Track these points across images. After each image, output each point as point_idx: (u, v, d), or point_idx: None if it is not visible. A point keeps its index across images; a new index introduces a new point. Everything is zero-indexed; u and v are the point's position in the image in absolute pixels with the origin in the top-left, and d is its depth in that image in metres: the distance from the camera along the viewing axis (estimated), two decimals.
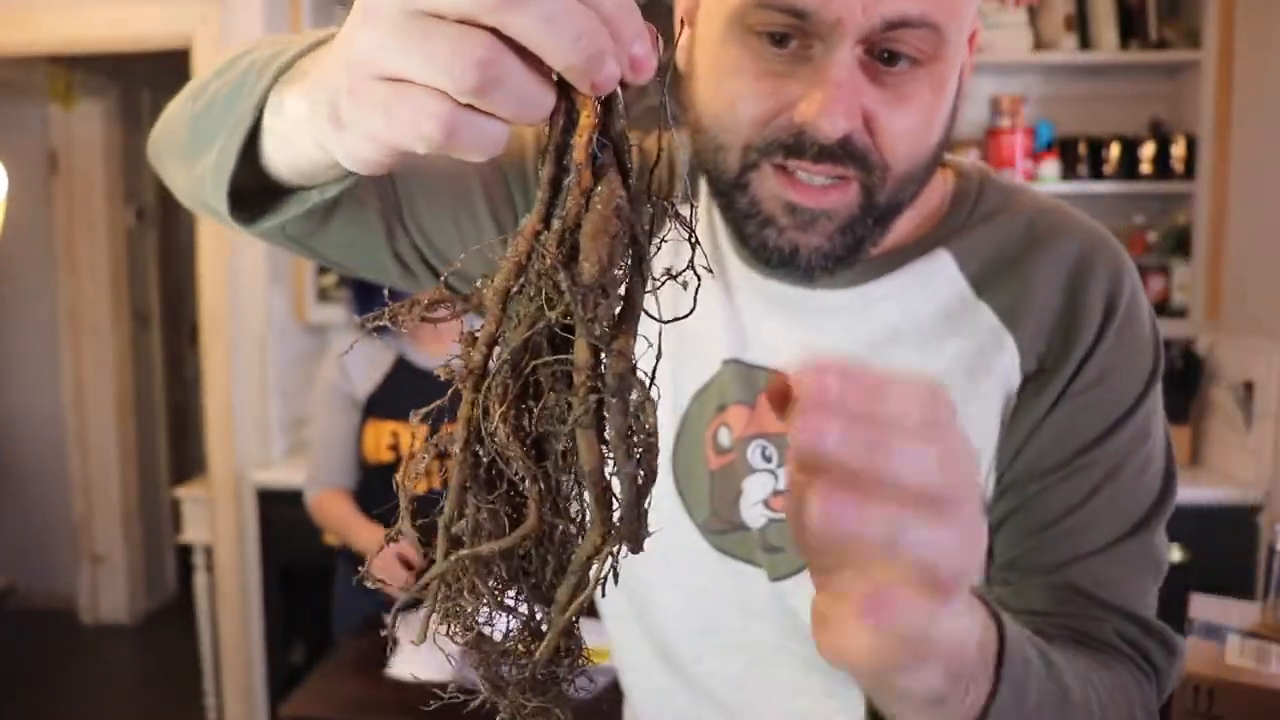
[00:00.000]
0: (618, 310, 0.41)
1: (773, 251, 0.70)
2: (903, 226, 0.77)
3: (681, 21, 0.73)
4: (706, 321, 0.79)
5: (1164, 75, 3.16)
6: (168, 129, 0.73)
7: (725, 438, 0.80)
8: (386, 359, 2.43)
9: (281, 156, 0.57)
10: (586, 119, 0.40)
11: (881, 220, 0.71)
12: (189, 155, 0.66)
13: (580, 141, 0.40)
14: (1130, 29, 3.00)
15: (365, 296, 2.43)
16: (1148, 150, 3.04)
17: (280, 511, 3.02)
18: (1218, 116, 2.92)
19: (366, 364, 2.42)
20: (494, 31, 0.37)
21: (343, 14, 3.05)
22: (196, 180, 0.66)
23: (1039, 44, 3.05)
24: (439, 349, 2.44)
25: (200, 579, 3.31)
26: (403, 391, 2.40)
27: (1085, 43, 3.02)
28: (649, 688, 0.91)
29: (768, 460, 0.78)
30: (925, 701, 0.48)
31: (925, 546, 0.39)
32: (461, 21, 0.37)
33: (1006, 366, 0.74)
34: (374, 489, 2.38)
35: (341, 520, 2.35)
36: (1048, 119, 3.12)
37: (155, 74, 4.62)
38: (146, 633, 4.66)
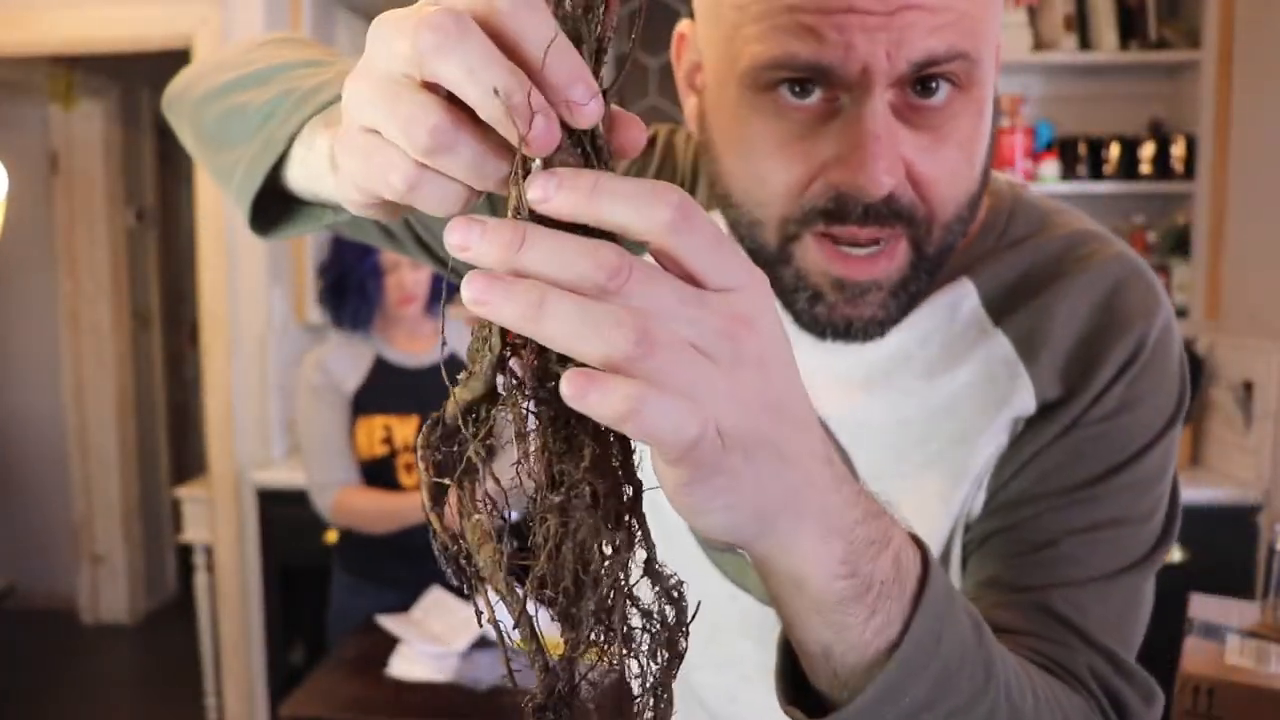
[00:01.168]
0: None
1: (825, 326, 0.67)
2: None
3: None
4: None
5: (1164, 75, 3.16)
6: (192, 102, 0.74)
7: None
8: (367, 358, 2.43)
9: (306, 186, 0.59)
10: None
11: (933, 271, 0.68)
12: (211, 142, 0.70)
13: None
14: (1130, 29, 3.00)
15: (339, 299, 2.42)
16: (1147, 150, 3.04)
17: (281, 511, 3.02)
18: (1217, 116, 2.92)
19: (349, 364, 2.41)
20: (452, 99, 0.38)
21: (343, 15, 3.04)
22: (213, 166, 0.70)
23: (1039, 44, 3.05)
24: (413, 347, 2.46)
25: (200, 579, 3.31)
26: (388, 386, 2.40)
27: (1085, 43, 3.02)
28: None
29: None
30: (824, 596, 0.46)
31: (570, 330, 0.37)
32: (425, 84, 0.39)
33: (1019, 397, 0.70)
34: (368, 485, 2.38)
35: (378, 504, 2.31)
36: (1047, 119, 3.12)
37: (155, 74, 4.61)
38: (147, 633, 4.66)
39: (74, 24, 3.15)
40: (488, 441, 0.40)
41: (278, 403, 3.24)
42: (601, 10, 0.39)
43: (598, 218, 0.37)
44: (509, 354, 0.39)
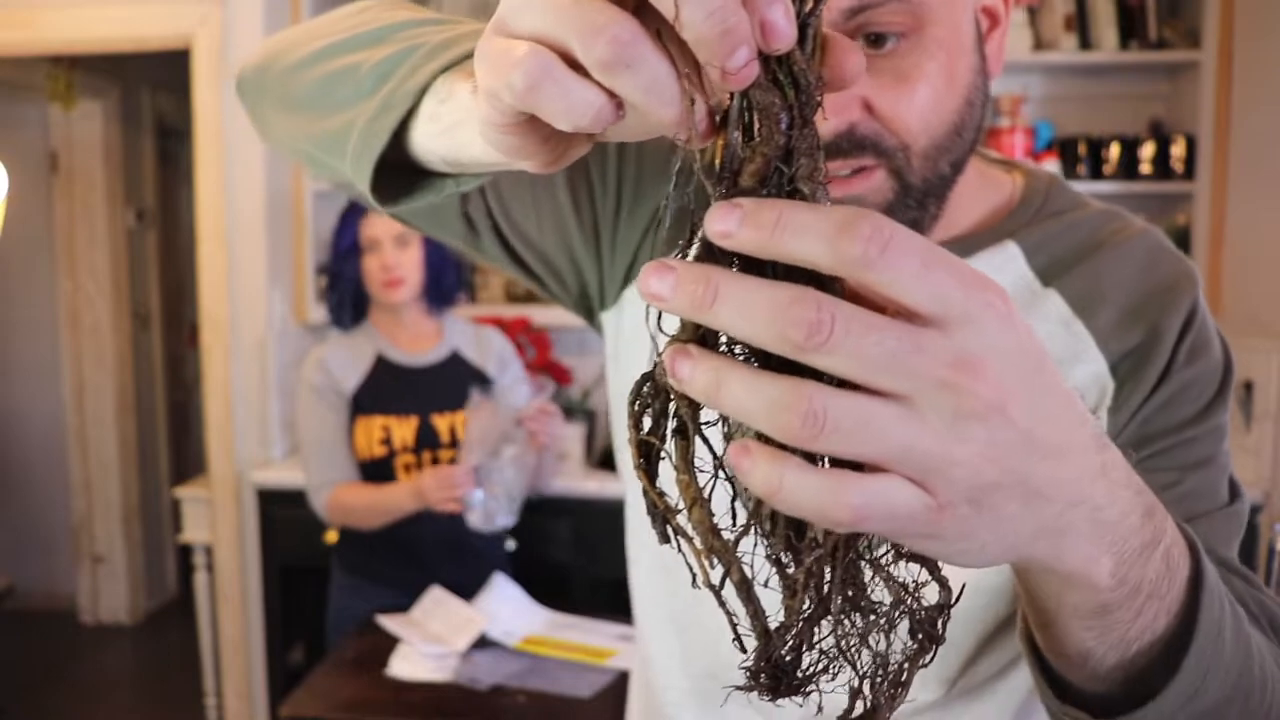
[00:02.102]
0: None
1: None
2: (970, 217, 0.78)
3: None
4: None
5: (1164, 75, 3.16)
6: (279, 72, 0.69)
7: None
8: (367, 357, 2.41)
9: (435, 145, 0.54)
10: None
11: (924, 200, 0.70)
12: (310, 109, 0.64)
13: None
14: (1130, 29, 3.00)
15: (332, 291, 2.42)
16: (1147, 150, 3.04)
17: (280, 512, 3.02)
18: (1217, 116, 2.92)
19: (349, 363, 2.40)
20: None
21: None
22: (312, 137, 0.64)
23: (1039, 44, 3.05)
24: (416, 346, 2.45)
25: (200, 579, 3.31)
26: (387, 387, 2.39)
27: (1085, 43, 3.01)
28: (671, 652, 0.89)
29: None
30: (1089, 608, 0.44)
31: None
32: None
33: (1085, 354, 0.74)
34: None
35: (368, 498, 2.29)
36: (1047, 119, 3.12)
37: (155, 74, 4.62)
38: (147, 633, 4.66)
39: (73, 23, 3.15)
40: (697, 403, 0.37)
41: (278, 403, 3.23)
42: None
43: (784, 255, 0.34)
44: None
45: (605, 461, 3.18)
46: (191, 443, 5.17)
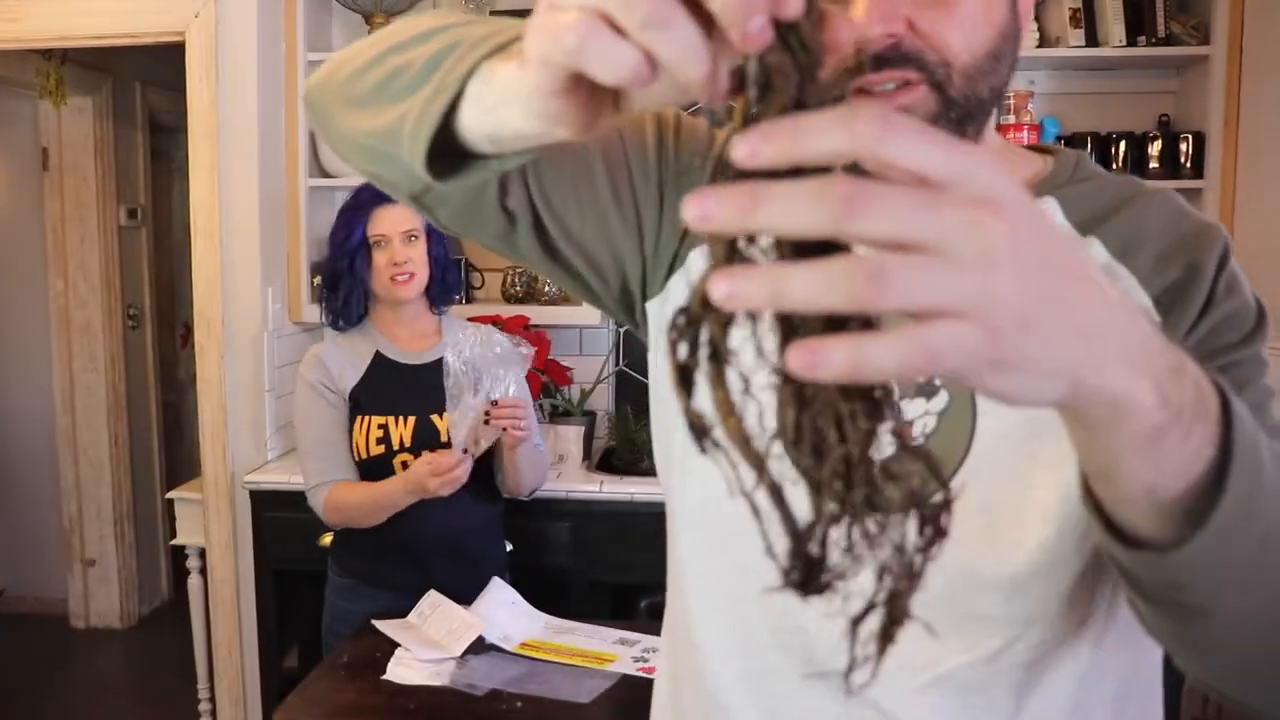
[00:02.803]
0: None
1: None
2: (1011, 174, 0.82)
3: None
4: None
5: (1172, 71, 3.13)
6: (341, 81, 0.75)
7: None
8: (366, 355, 2.39)
9: (480, 124, 0.59)
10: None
11: (963, 121, 0.76)
12: (370, 106, 0.70)
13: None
14: (1138, 24, 2.97)
15: (333, 289, 2.39)
16: (1155, 147, 3.01)
17: (274, 514, 2.98)
18: (1226, 113, 2.89)
19: (347, 361, 2.37)
20: None
21: (337, 9, 3.01)
22: (374, 131, 0.69)
23: (1045, 40, 3.02)
24: (414, 345, 2.42)
25: (193, 582, 3.28)
26: (385, 386, 2.36)
27: (1092, 38, 2.99)
28: (725, 625, 0.90)
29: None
30: (1142, 431, 0.48)
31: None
32: None
33: (1128, 291, 0.79)
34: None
35: (362, 494, 2.27)
36: (1054, 115, 3.09)
37: (148, 69, 4.58)
38: (139, 637, 4.62)
39: (64, 17, 3.11)
40: (728, 325, 0.41)
41: (271, 404, 3.19)
42: None
43: (807, 155, 0.38)
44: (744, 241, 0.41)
45: (604, 463, 3.14)
46: (184, 444, 5.14)
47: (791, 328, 0.40)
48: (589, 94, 0.48)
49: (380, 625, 2.13)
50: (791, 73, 0.40)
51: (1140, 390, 0.46)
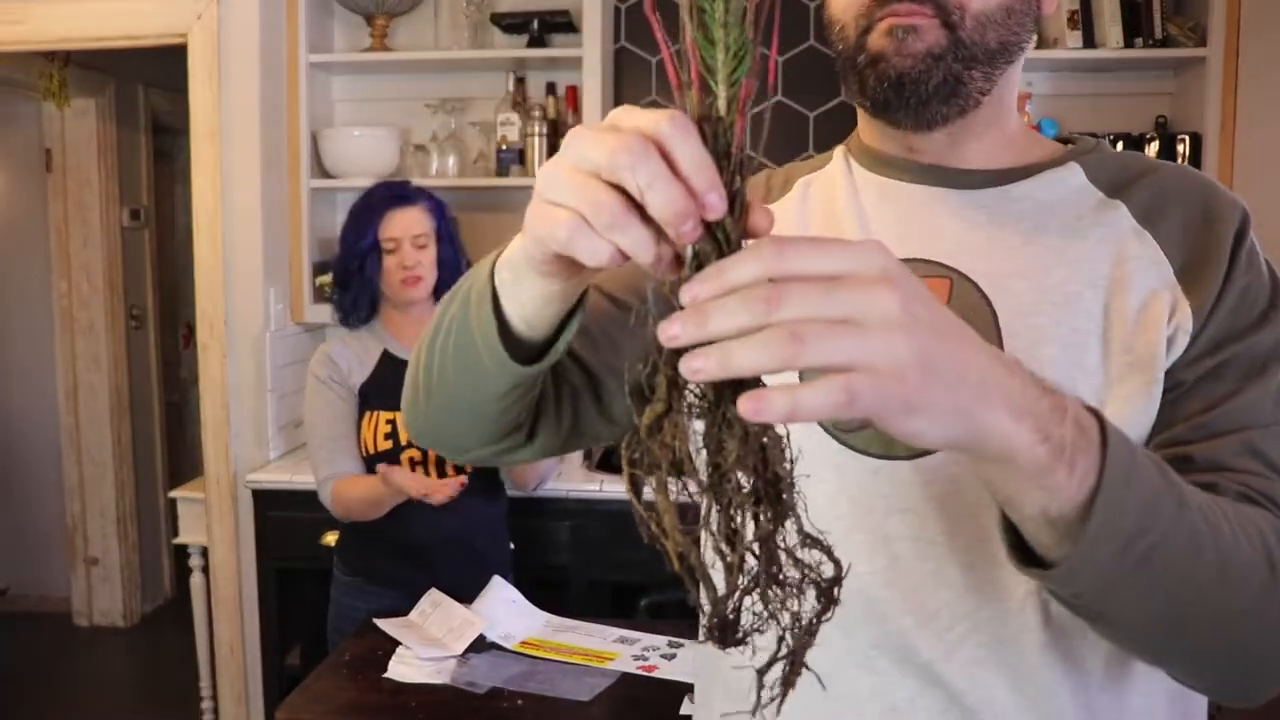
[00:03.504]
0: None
1: (882, 81, 0.82)
2: (1033, 153, 0.89)
3: None
4: (849, 227, 0.91)
5: (1169, 73, 3.13)
6: (421, 389, 0.92)
7: None
8: (374, 353, 2.41)
9: (514, 308, 0.73)
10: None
11: (970, 64, 0.82)
12: (439, 357, 0.84)
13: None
14: (1135, 26, 2.97)
15: (344, 288, 2.41)
16: (1152, 148, 3.02)
17: (277, 513, 2.99)
18: (1223, 115, 2.90)
19: (355, 358, 2.39)
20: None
21: (338, 10, 3.02)
22: (444, 372, 0.84)
23: (1043, 41, 3.02)
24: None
25: (196, 581, 3.29)
26: (392, 382, 2.37)
27: (1090, 40, 2.99)
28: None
29: None
30: (1030, 465, 0.56)
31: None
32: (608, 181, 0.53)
33: (1151, 260, 0.81)
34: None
35: (363, 489, 2.29)
36: (1052, 117, 3.10)
37: (150, 71, 4.59)
38: (142, 635, 4.63)
39: (67, 19, 3.12)
40: (671, 444, 0.53)
41: (274, 404, 3.20)
42: (731, 134, 0.53)
43: (731, 285, 0.49)
44: (677, 377, 0.52)
45: (604, 463, 3.15)
46: (187, 443, 5.15)
47: (719, 443, 0.52)
48: (572, 261, 0.59)
49: (381, 624, 2.14)
50: (713, 255, 0.52)
51: (1025, 429, 0.55)
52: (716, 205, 0.51)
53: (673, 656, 2.02)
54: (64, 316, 4.53)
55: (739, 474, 0.51)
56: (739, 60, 0.53)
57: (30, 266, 4.59)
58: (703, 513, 0.53)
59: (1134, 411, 0.78)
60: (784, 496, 0.52)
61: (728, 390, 0.51)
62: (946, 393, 0.51)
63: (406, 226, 2.34)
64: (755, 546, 0.51)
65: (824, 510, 0.84)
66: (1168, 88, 3.15)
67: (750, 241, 0.53)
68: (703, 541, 0.53)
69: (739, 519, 0.51)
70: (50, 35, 3.18)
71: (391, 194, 2.38)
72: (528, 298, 0.71)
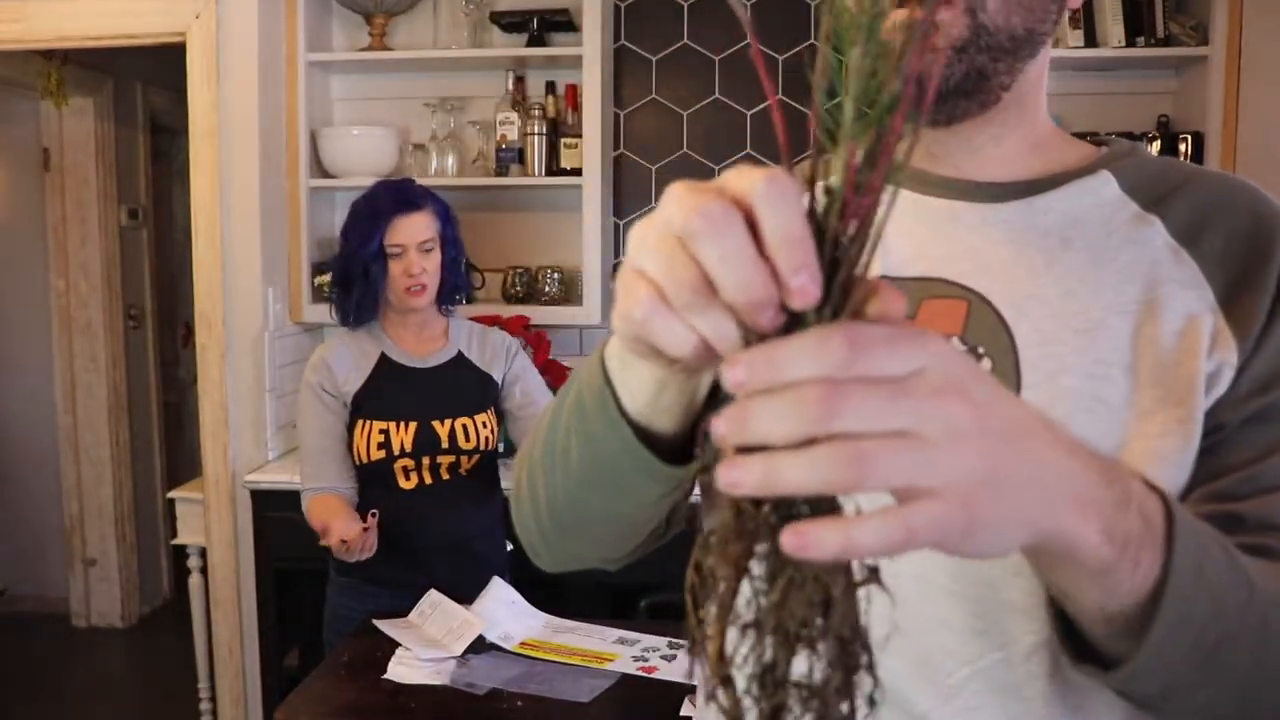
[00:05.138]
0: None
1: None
2: (1061, 164, 0.81)
3: None
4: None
5: (1171, 72, 3.13)
6: (547, 525, 0.81)
7: None
8: (371, 357, 2.40)
9: (628, 400, 0.63)
10: None
11: (994, 52, 0.75)
12: (574, 501, 0.74)
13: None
14: (1137, 25, 2.97)
15: (345, 290, 2.39)
16: (1155, 147, 3.01)
17: (275, 514, 2.99)
18: (1225, 114, 2.89)
19: (352, 364, 2.38)
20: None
21: (337, 9, 3.01)
22: (573, 475, 0.71)
23: None
24: (420, 348, 2.43)
25: (194, 582, 3.28)
26: (388, 389, 2.37)
27: (1091, 39, 2.99)
28: None
29: None
30: (1093, 565, 0.52)
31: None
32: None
33: (1188, 280, 0.74)
34: (363, 489, 2.35)
35: (324, 509, 2.27)
36: (1054, 115, 3.07)
37: (149, 69, 4.58)
38: (140, 636, 4.62)
39: (65, 17, 3.11)
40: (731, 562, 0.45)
41: (272, 404, 3.20)
42: (840, 211, 0.44)
43: (781, 381, 0.42)
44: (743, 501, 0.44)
45: None
46: (185, 444, 5.13)
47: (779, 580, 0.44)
48: None
49: (380, 625, 2.13)
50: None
51: (1089, 530, 0.50)
52: (806, 290, 0.43)
53: (673, 658, 2.01)
54: (62, 316, 4.52)
55: (790, 616, 0.43)
56: (882, 107, 0.43)
57: (28, 266, 4.58)
58: (740, 648, 0.45)
59: (1168, 450, 0.71)
60: (849, 661, 0.44)
61: (782, 507, 0.43)
62: (1013, 507, 0.46)
63: (413, 233, 2.31)
64: (796, 702, 0.44)
65: None
66: (1170, 87, 3.15)
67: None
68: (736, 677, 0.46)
69: (780, 666, 0.44)
70: (48, 34, 3.17)
71: (398, 199, 2.33)
72: (637, 386, 0.62)
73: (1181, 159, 2.97)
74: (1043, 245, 0.78)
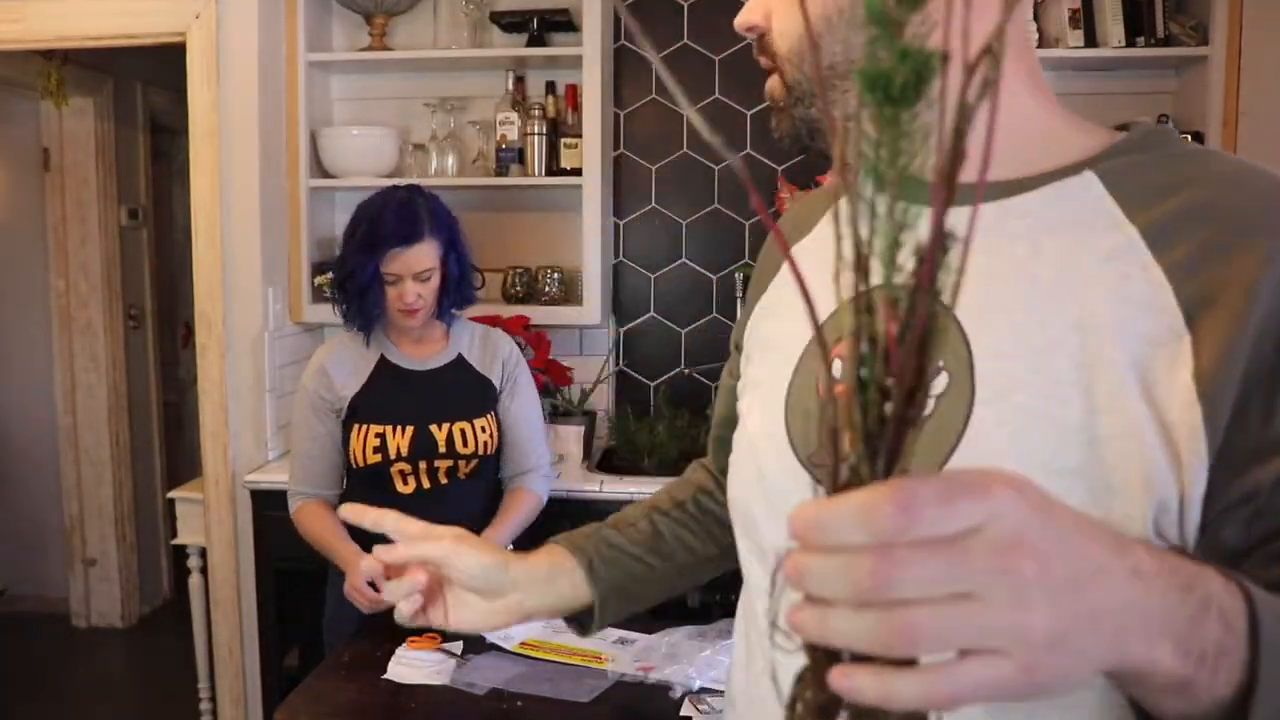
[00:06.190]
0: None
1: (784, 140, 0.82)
2: (1053, 161, 0.75)
3: None
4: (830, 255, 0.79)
5: (1171, 72, 3.13)
6: None
7: (839, 369, 0.75)
8: (370, 361, 2.40)
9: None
10: None
11: (811, 97, 0.78)
12: None
13: None
14: (1137, 25, 2.97)
15: (344, 299, 2.39)
16: None
17: (275, 514, 2.97)
18: (1225, 114, 2.89)
19: (350, 368, 2.38)
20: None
21: (336, 9, 2.99)
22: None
23: (1045, 40, 3.02)
24: (420, 351, 2.43)
25: (194, 582, 3.28)
26: (386, 393, 2.37)
27: (1091, 39, 2.99)
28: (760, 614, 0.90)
29: None
30: (1168, 684, 0.49)
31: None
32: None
33: (1152, 301, 0.66)
34: (360, 492, 2.34)
35: (320, 535, 2.34)
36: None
37: (149, 69, 4.58)
38: (140, 636, 4.62)
39: (65, 17, 3.11)
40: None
41: (272, 404, 3.20)
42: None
43: (830, 548, 0.41)
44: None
45: (604, 463, 3.14)
46: (185, 444, 5.13)
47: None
48: None
49: (379, 627, 2.13)
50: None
51: (1163, 654, 0.48)
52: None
53: (673, 657, 2.01)
54: (62, 316, 4.52)
55: None
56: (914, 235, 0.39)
57: (28, 266, 4.58)
58: None
59: (1134, 478, 0.65)
60: None
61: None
62: (1077, 658, 0.44)
63: (410, 264, 2.29)
64: None
65: (788, 542, 0.81)
66: (1169, 87, 3.15)
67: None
68: None
69: None
70: (48, 34, 3.17)
71: (398, 231, 2.28)
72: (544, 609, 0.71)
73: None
74: (1011, 252, 0.73)
